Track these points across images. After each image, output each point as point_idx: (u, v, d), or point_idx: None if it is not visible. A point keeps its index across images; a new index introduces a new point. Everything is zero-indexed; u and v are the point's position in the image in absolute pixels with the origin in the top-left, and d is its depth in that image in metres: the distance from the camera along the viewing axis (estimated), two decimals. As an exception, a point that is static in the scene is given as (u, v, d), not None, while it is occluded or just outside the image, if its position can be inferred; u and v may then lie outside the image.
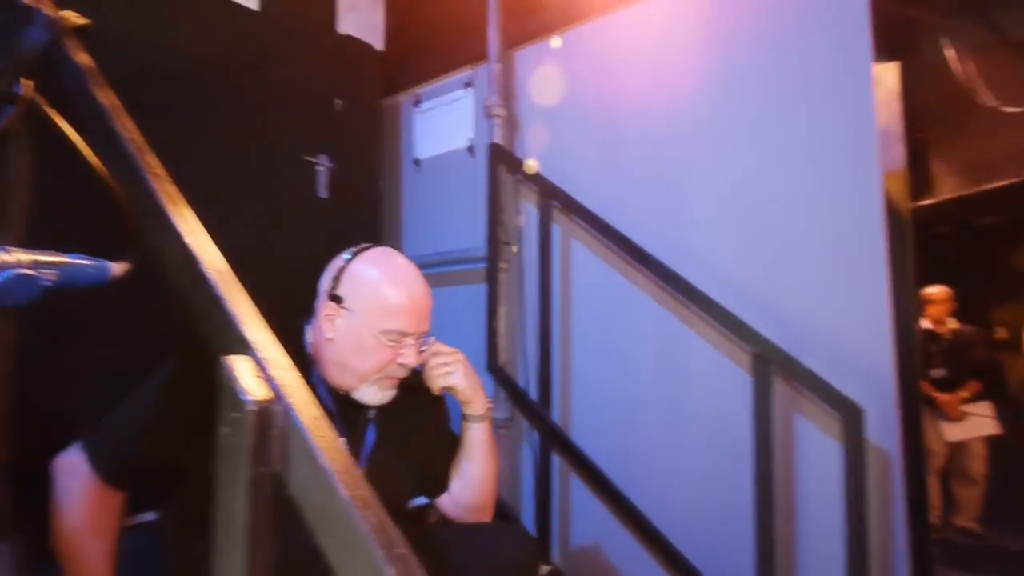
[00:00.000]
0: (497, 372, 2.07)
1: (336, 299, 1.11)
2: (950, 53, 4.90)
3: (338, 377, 1.12)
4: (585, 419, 2.00)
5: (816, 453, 1.45)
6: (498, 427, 2.05)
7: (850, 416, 1.28)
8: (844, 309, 1.46)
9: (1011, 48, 4.68)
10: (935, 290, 4.28)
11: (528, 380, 2.08)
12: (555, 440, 1.94)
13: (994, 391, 4.09)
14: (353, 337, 1.10)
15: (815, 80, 1.58)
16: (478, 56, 2.33)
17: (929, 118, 5.15)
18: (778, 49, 1.65)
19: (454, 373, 1.19)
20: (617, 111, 2.00)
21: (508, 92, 2.24)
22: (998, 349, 4.29)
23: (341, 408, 1.14)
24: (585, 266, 2.04)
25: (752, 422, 1.43)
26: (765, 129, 1.66)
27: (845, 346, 1.43)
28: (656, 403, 1.83)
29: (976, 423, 4.05)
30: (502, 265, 2.13)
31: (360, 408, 1.15)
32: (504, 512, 1.56)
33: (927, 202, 5.10)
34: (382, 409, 1.17)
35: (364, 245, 1.17)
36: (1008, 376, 4.44)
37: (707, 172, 1.78)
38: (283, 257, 1.89)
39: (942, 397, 4.12)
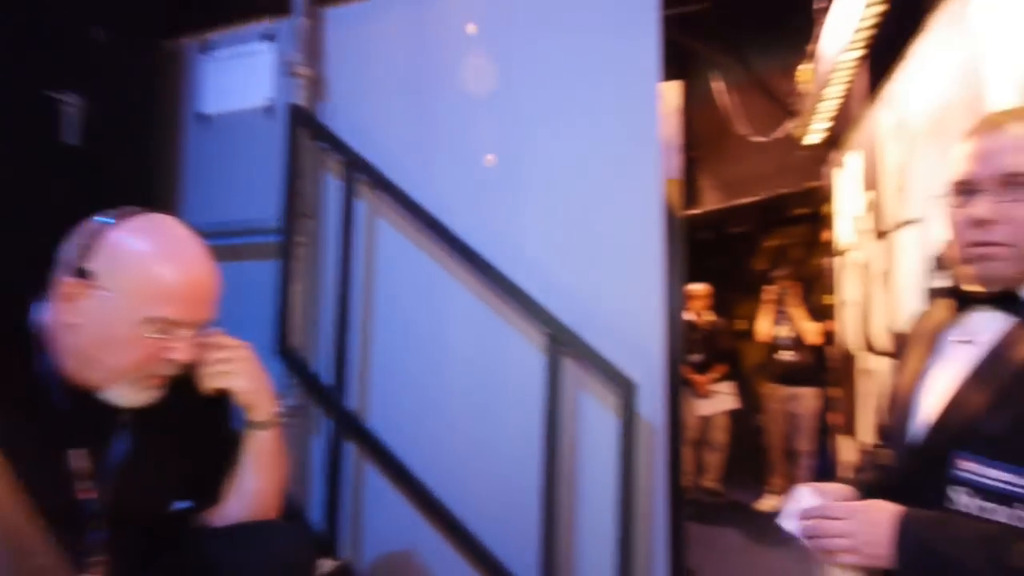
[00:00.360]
0: (288, 355, 1.91)
1: (84, 274, 0.90)
2: (717, 85, 5.71)
3: (80, 372, 0.92)
4: (385, 405, 1.93)
5: (598, 426, 1.57)
6: (286, 416, 1.89)
7: (626, 391, 1.40)
8: (626, 296, 1.60)
9: (760, 88, 5.60)
10: (697, 287, 4.97)
11: (323, 365, 1.95)
12: (349, 428, 1.85)
13: (734, 373, 4.87)
14: (105, 325, 0.90)
15: (612, 86, 1.69)
16: (281, 7, 2.11)
17: (699, 139, 5.94)
18: (580, 55, 1.73)
19: (234, 373, 1.03)
20: (430, 86, 1.96)
21: (314, 51, 2.07)
22: (739, 338, 5.13)
23: (80, 409, 0.93)
24: (391, 245, 1.96)
25: (544, 400, 1.50)
26: (568, 127, 1.75)
27: (625, 330, 1.57)
28: (462, 388, 1.84)
29: (721, 399, 4.81)
30: (299, 239, 1.96)
31: (109, 410, 0.96)
32: (289, 506, 1.45)
33: (694, 211, 5.90)
34: (141, 411, 0.98)
35: (130, 209, 0.96)
36: (744, 360, 5.34)
37: (516, 161, 1.82)
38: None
39: (697, 378, 4.81)
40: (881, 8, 2.55)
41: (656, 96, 1.65)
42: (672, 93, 2.15)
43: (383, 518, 1.87)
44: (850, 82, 3.19)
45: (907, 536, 0.79)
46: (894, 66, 2.61)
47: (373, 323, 1.95)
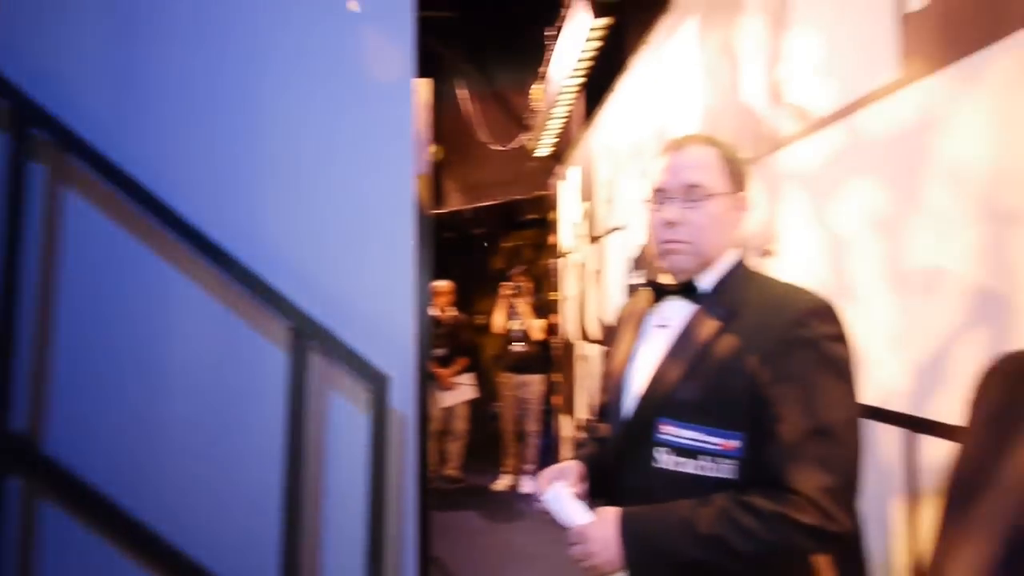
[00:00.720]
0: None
1: None
2: (461, 92, 6.01)
3: None
4: (76, 426, 1.57)
5: (349, 422, 1.52)
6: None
7: (379, 385, 1.38)
8: (379, 290, 1.58)
9: (499, 101, 6.06)
10: (441, 283, 5.16)
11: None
12: (14, 456, 1.46)
13: (474, 365, 5.18)
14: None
15: (365, 75, 1.65)
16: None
17: (444, 142, 6.18)
18: (333, 41, 1.65)
19: None
20: (150, 50, 1.65)
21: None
22: (479, 332, 5.48)
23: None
24: (87, 225, 1.61)
25: (286, 397, 1.39)
26: (319, 114, 1.64)
27: (378, 323, 1.54)
28: (190, 395, 1.59)
29: (462, 391, 5.06)
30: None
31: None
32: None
33: (439, 211, 6.11)
34: None
35: None
36: (483, 353, 5.72)
37: (258, 146, 1.64)
38: None
39: (441, 371, 4.99)
40: (597, 44, 2.97)
41: (411, 90, 1.66)
42: (423, 91, 2.18)
43: (71, 567, 1.51)
44: (571, 105, 3.64)
45: (629, 536, 0.92)
46: (605, 95, 3.06)
47: (56, 324, 1.57)
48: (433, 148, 2.33)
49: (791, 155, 1.36)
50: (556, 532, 1.01)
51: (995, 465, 0.39)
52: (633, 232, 2.71)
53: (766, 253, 1.49)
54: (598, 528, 0.94)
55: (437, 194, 6.47)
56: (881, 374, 1.06)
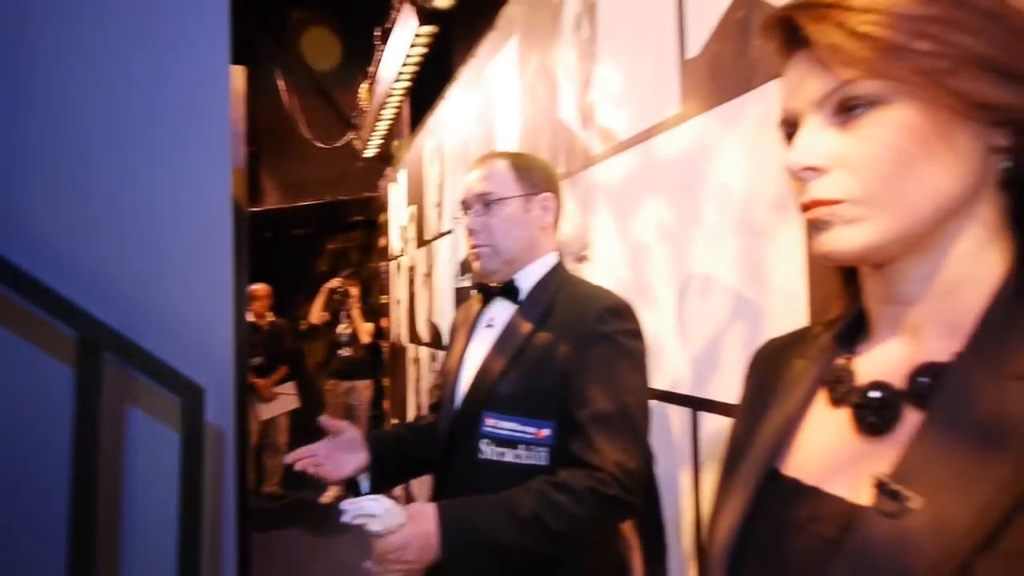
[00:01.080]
0: None
1: None
2: (281, 84, 5.67)
3: None
4: None
5: (156, 442, 1.37)
6: None
7: (191, 398, 1.27)
8: (193, 295, 1.44)
9: (325, 97, 5.82)
10: (258, 287, 4.81)
11: None
12: None
13: (296, 373, 4.92)
14: None
15: (175, 56, 1.50)
16: None
17: (262, 136, 5.78)
18: (139, 25, 1.48)
19: None
20: None
21: None
22: (302, 338, 5.20)
23: None
24: None
25: (73, 420, 1.22)
26: (114, 96, 1.46)
27: (192, 330, 1.42)
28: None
29: (283, 401, 4.77)
30: None
31: None
32: None
33: (256, 209, 5.69)
34: None
35: None
36: (307, 360, 5.45)
37: (39, 131, 1.41)
38: None
39: (259, 382, 4.66)
40: (423, 51, 3.01)
41: (226, 76, 1.54)
42: (238, 78, 2.04)
43: None
44: (399, 107, 3.64)
45: (448, 526, 0.92)
46: (435, 100, 3.11)
47: None
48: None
49: (600, 172, 1.53)
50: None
51: (751, 436, 0.49)
52: (460, 237, 2.80)
53: (582, 258, 1.65)
54: (415, 524, 0.91)
55: (254, 191, 6.02)
56: (671, 362, 1.24)
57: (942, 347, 0.41)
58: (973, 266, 0.41)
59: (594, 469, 0.95)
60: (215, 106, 1.49)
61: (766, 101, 0.98)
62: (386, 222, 4.84)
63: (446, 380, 1.18)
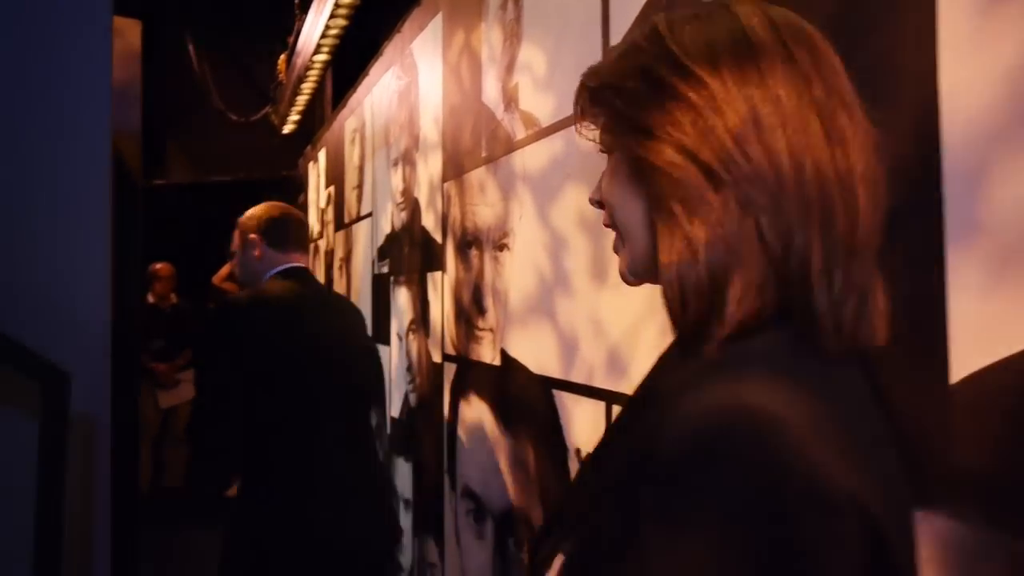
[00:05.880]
0: None
1: None
2: (191, 49, 5.27)
3: None
4: None
5: (8, 429, 1.20)
6: None
7: (52, 383, 1.13)
8: (58, 271, 1.28)
9: (240, 67, 5.47)
10: (161, 266, 4.47)
11: None
12: None
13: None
14: None
15: (51, 14, 1.31)
16: None
17: (169, 107, 5.36)
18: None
19: None
20: None
21: None
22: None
23: None
24: None
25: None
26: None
27: (56, 311, 1.25)
28: None
29: (186, 388, 4.47)
30: None
31: None
32: None
33: (160, 182, 5.29)
34: None
35: None
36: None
37: None
38: None
39: (160, 367, 4.34)
40: (343, 23, 2.86)
41: (106, 27, 1.37)
42: (131, 32, 1.85)
43: None
44: (318, 81, 3.46)
45: None
46: (359, 77, 2.97)
47: None
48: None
49: (522, 158, 1.48)
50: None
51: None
52: (380, 220, 2.69)
53: (501, 247, 1.60)
54: None
55: (159, 163, 5.59)
56: (587, 355, 1.22)
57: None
58: None
59: None
60: (92, 60, 1.32)
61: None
62: (306, 203, 4.62)
63: None
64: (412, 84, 2.30)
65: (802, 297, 0.41)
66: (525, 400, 1.42)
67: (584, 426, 1.21)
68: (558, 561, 0.44)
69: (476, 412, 1.66)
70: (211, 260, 5.39)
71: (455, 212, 1.85)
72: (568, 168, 1.30)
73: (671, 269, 0.43)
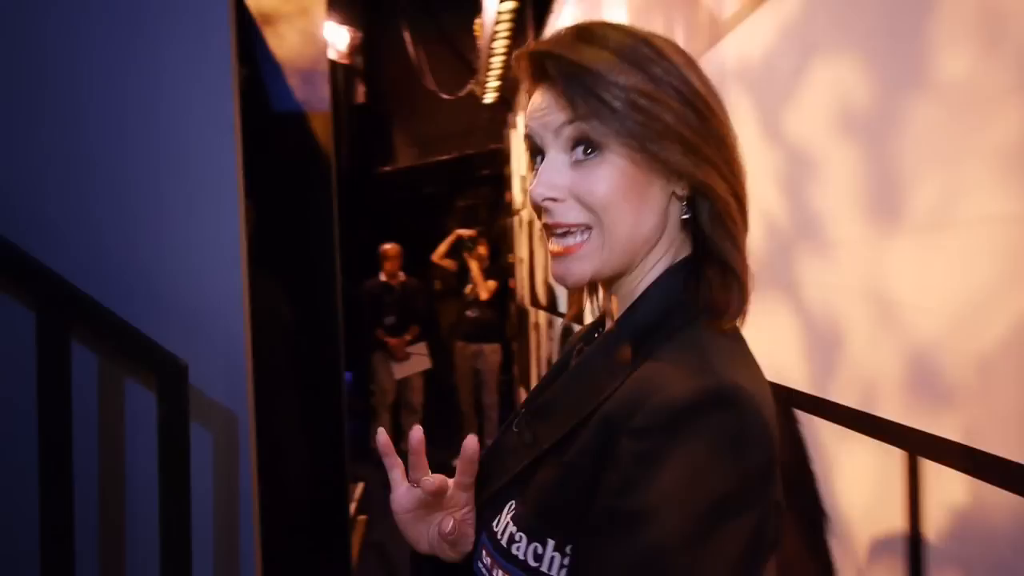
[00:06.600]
0: None
1: None
2: (407, 36, 5.48)
3: None
4: None
5: (139, 424, 1.14)
6: None
7: (168, 374, 1.01)
8: (188, 257, 1.18)
9: (447, 43, 5.53)
10: (389, 246, 4.75)
11: None
12: None
13: (429, 334, 4.83)
14: None
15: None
16: None
17: (392, 94, 5.67)
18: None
19: None
20: None
21: None
22: (436, 298, 5.11)
23: None
24: None
25: (37, 397, 1.01)
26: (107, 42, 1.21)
27: (185, 298, 1.16)
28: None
29: (416, 361, 4.72)
30: None
31: None
32: None
33: (387, 169, 5.65)
34: None
35: None
36: (440, 321, 5.36)
37: None
38: None
39: (392, 341, 4.64)
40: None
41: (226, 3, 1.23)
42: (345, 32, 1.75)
43: None
44: (508, 38, 3.19)
45: None
46: (544, 21, 2.62)
47: None
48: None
49: (735, 42, 0.98)
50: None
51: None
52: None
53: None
54: None
55: (387, 151, 5.99)
56: (864, 358, 0.71)
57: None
58: (644, 276, 0.54)
59: None
60: (213, 35, 1.18)
61: None
62: (510, 175, 4.47)
63: None
64: (595, 5, 1.87)
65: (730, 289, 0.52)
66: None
67: (862, 482, 0.71)
68: (508, 508, 0.52)
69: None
70: (433, 237, 5.66)
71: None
72: (813, 37, 0.78)
73: (722, 271, 0.52)
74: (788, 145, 0.83)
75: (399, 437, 4.80)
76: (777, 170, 0.86)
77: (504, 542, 0.51)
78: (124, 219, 1.16)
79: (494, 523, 0.53)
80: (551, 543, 0.47)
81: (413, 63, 5.57)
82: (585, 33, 0.51)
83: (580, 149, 0.50)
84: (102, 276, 1.11)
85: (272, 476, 1.30)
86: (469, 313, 4.60)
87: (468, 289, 4.61)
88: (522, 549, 0.49)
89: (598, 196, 0.50)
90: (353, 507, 3.24)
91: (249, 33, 2.12)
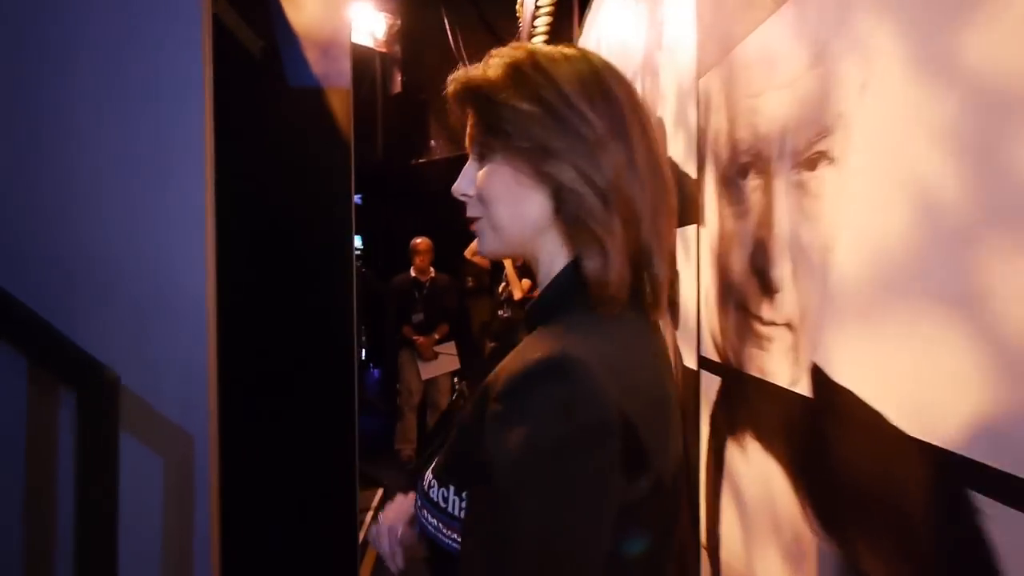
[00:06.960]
0: None
1: None
2: (447, 22, 5.27)
3: None
4: None
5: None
6: None
7: (89, 385, 0.79)
8: (155, 257, 0.96)
9: (487, 28, 5.30)
10: (419, 240, 4.55)
11: None
12: None
13: (459, 332, 4.61)
14: None
15: None
16: None
17: (429, 84, 5.47)
18: None
19: None
20: None
21: None
22: (467, 296, 4.88)
23: None
24: None
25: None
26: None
27: (133, 301, 0.94)
28: None
29: (444, 361, 4.51)
30: None
31: None
32: None
33: (421, 160, 5.46)
34: None
35: None
36: (472, 320, 5.13)
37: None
38: None
39: (420, 339, 4.44)
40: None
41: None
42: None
43: None
44: (551, 15, 2.93)
45: None
46: (586, 9, 2.35)
47: None
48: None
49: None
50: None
51: None
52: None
53: (813, 162, 0.84)
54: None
55: (423, 142, 5.80)
56: None
57: None
58: (553, 264, 0.65)
59: None
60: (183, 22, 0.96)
61: None
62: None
63: None
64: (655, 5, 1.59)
65: (645, 279, 0.64)
66: (876, 488, 0.65)
67: None
68: (434, 463, 0.64)
69: (758, 470, 0.93)
70: (467, 232, 5.45)
71: (718, 120, 1.10)
72: None
73: (599, 261, 0.61)
74: (967, 85, 0.55)
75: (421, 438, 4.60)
76: (942, 126, 0.57)
77: (426, 488, 0.63)
78: (63, 204, 0.95)
79: (426, 474, 0.65)
80: (452, 488, 0.60)
81: (452, 51, 5.35)
82: (493, 62, 0.64)
83: (480, 158, 0.65)
84: (38, 269, 0.90)
85: (247, 508, 1.07)
86: (501, 313, 4.36)
87: (501, 288, 4.38)
88: (435, 492, 0.61)
89: (483, 195, 0.64)
90: (368, 515, 3.03)
91: (267, 3, 1.94)
